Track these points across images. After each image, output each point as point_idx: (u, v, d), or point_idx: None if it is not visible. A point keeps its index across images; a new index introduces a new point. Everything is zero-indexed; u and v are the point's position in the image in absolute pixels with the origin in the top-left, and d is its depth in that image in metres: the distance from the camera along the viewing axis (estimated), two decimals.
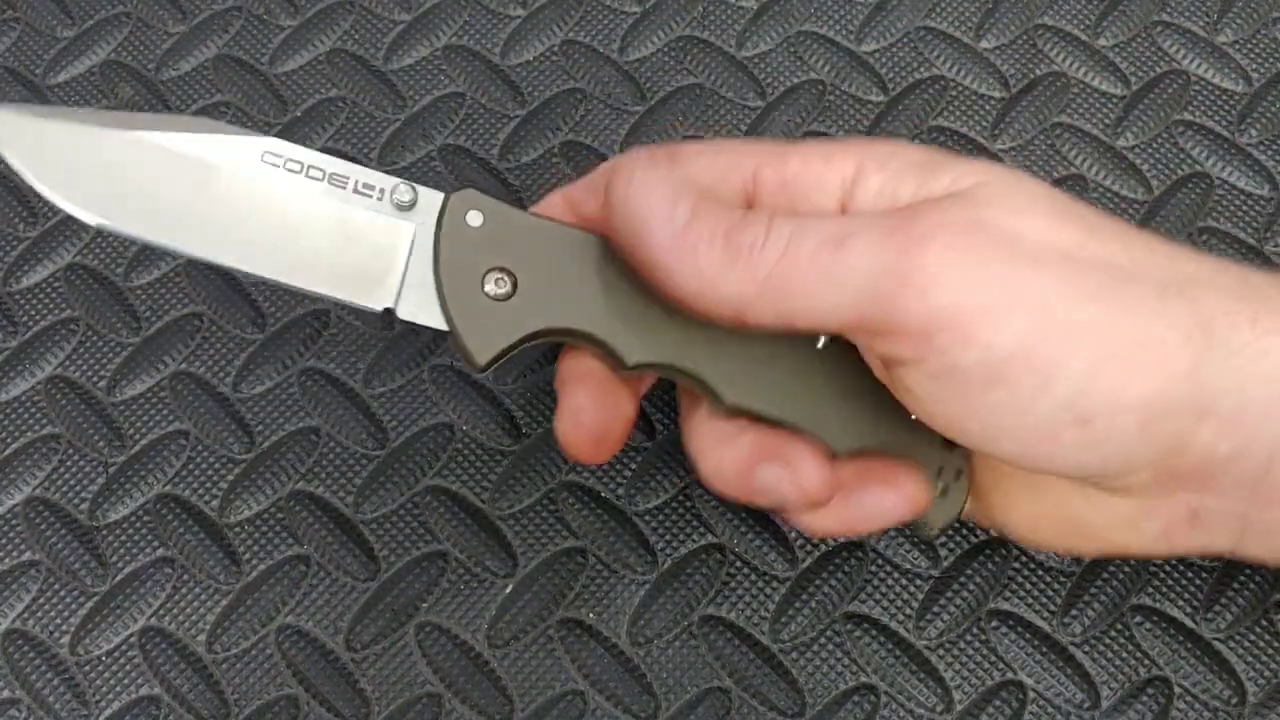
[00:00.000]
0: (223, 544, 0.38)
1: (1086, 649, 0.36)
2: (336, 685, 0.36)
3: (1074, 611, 0.36)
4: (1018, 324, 0.27)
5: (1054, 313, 0.27)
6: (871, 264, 0.27)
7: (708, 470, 0.32)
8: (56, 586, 0.37)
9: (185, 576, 0.37)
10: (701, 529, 0.38)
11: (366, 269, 0.32)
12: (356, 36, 0.46)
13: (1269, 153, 0.42)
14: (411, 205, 0.32)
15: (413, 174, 0.43)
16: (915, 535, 0.37)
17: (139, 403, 0.40)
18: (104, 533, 0.38)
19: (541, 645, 0.36)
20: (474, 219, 0.31)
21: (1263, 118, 0.43)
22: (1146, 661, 0.36)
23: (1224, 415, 0.28)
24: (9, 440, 0.39)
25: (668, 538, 0.38)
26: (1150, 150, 0.43)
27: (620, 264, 0.32)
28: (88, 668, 0.36)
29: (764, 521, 0.38)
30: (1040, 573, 0.37)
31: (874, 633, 0.36)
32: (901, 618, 0.36)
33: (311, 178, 0.31)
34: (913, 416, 0.32)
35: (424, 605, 0.37)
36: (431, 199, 0.32)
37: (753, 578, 0.37)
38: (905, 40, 0.45)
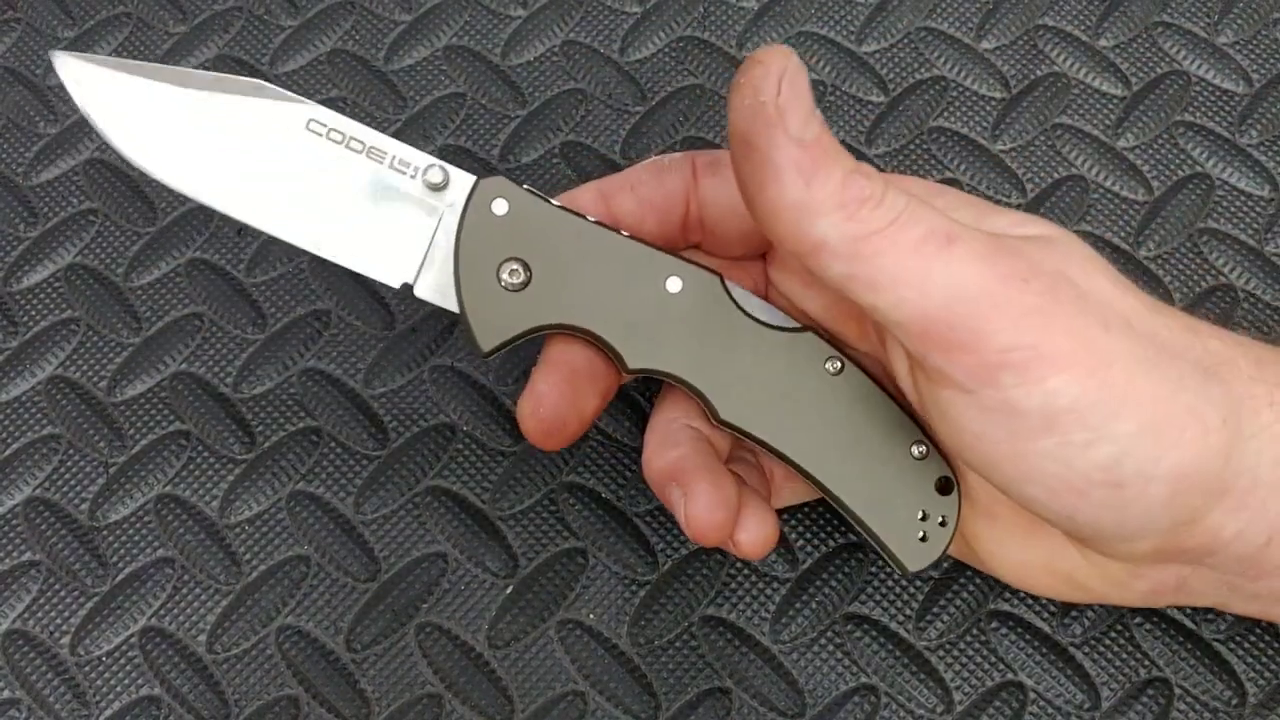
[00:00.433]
0: (223, 544, 0.38)
1: (1087, 650, 0.36)
2: (337, 686, 0.36)
3: (1074, 612, 0.36)
4: (1083, 379, 0.27)
5: (1116, 376, 0.27)
6: (971, 278, 0.27)
7: (644, 463, 0.33)
8: (57, 587, 0.37)
9: (185, 577, 0.37)
10: None
11: (391, 244, 0.32)
12: (357, 37, 0.46)
13: (1269, 154, 0.42)
14: (443, 186, 0.32)
15: None
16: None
17: (139, 403, 0.40)
18: (104, 533, 0.38)
19: (542, 646, 0.36)
20: (499, 207, 0.32)
21: (1263, 119, 0.43)
22: (1147, 662, 0.36)
23: (1238, 494, 0.28)
24: (9, 440, 0.39)
25: (668, 538, 0.38)
26: (1151, 151, 0.43)
27: (633, 266, 0.32)
28: (88, 668, 0.36)
29: None
30: None
31: (874, 633, 0.36)
32: (901, 618, 0.36)
33: (352, 149, 0.32)
34: (919, 450, 0.32)
35: (424, 606, 0.37)
36: (463, 182, 0.32)
37: (753, 579, 0.37)
38: (906, 41, 0.45)
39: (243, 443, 0.39)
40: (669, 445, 0.33)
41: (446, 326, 0.41)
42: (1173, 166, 0.42)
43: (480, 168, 0.43)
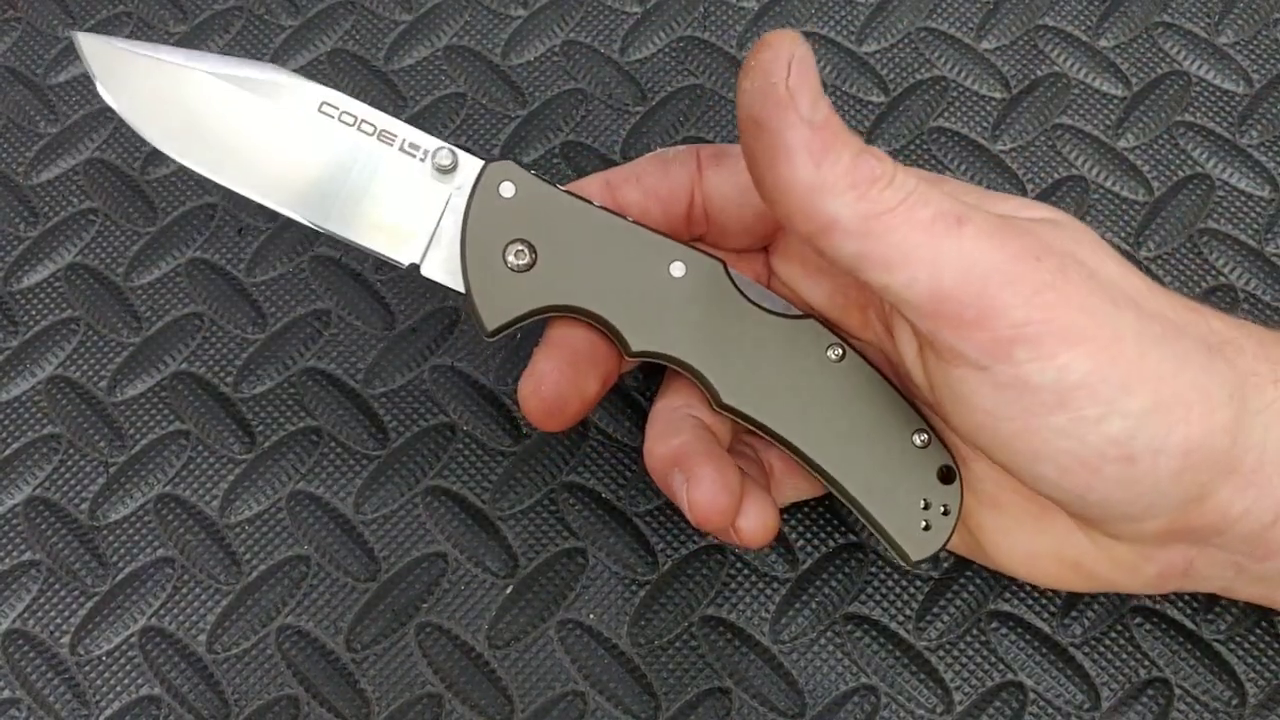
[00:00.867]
0: (223, 544, 0.38)
1: (1087, 650, 0.36)
2: (337, 685, 0.36)
3: (1074, 613, 0.36)
4: (1095, 354, 0.27)
5: (1127, 351, 0.27)
6: (983, 255, 0.27)
7: (645, 451, 0.33)
8: (57, 586, 0.37)
9: (185, 576, 0.37)
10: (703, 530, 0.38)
11: (400, 224, 0.33)
12: (357, 37, 0.46)
13: (1270, 154, 0.42)
14: (452, 169, 0.33)
15: None
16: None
17: (139, 403, 0.40)
18: (104, 533, 0.38)
19: (542, 646, 0.36)
20: (506, 190, 0.32)
21: (1263, 119, 0.43)
22: (1147, 663, 0.36)
23: (1245, 472, 0.28)
24: (9, 440, 0.39)
25: (668, 538, 0.38)
26: (1151, 151, 0.43)
27: (638, 250, 0.32)
28: (88, 668, 0.36)
29: None
30: None
31: (874, 633, 0.36)
32: (901, 618, 0.36)
33: (363, 131, 0.33)
34: (921, 439, 0.32)
35: (424, 606, 0.37)
36: (471, 165, 0.33)
37: (753, 579, 0.37)
38: (906, 41, 0.45)
39: (243, 442, 0.39)
40: (671, 433, 0.33)
41: (447, 326, 0.41)
42: (1173, 167, 0.42)
43: None
